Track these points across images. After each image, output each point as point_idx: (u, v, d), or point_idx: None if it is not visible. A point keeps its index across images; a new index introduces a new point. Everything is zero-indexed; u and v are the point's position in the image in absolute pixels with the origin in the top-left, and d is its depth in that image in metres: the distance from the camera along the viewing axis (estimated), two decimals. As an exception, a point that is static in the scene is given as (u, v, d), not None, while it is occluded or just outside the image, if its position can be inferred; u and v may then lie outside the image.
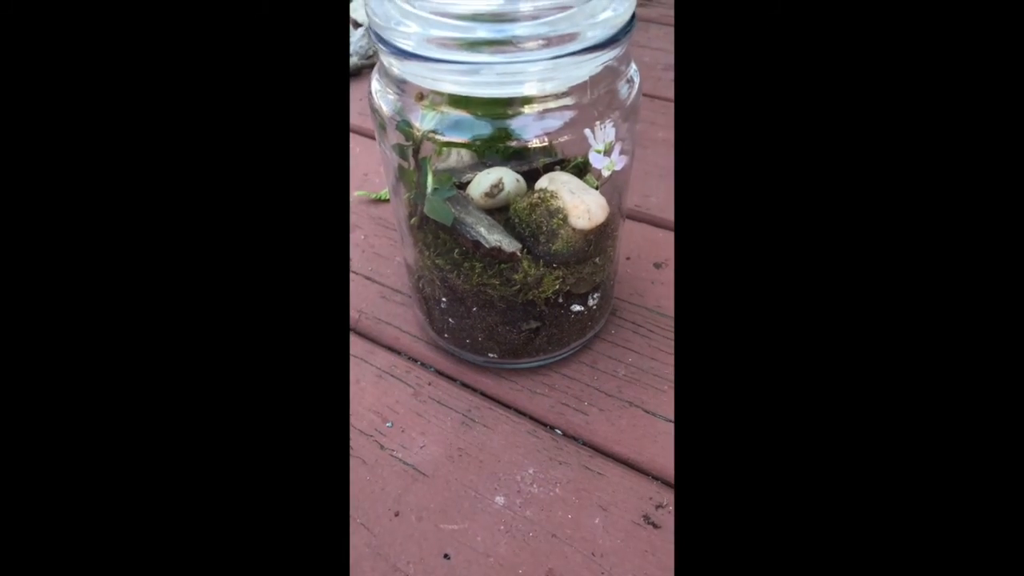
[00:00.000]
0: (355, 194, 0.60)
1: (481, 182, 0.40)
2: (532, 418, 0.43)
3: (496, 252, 0.37)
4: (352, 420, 0.44)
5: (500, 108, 0.33)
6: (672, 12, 0.88)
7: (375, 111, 0.37)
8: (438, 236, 0.39)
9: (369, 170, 0.64)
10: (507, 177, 0.41)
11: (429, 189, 0.38)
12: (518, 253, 0.37)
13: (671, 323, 0.48)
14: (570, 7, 0.30)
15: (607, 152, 0.37)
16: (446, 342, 0.45)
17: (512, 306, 0.40)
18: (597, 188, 0.40)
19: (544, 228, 0.38)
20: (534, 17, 0.30)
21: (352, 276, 0.53)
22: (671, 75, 0.75)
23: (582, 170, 0.42)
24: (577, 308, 0.42)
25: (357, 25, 0.84)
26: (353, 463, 0.41)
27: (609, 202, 0.39)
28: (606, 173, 0.38)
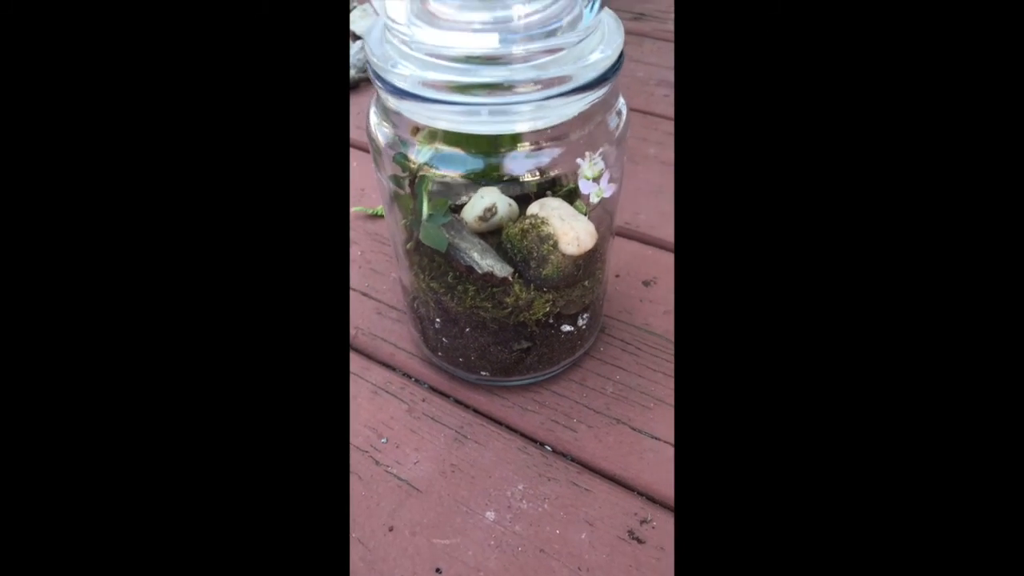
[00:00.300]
0: (352, 210, 0.61)
1: (475, 206, 0.42)
2: (523, 435, 0.45)
3: (488, 277, 0.38)
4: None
5: (492, 145, 0.34)
6: (666, 26, 0.89)
7: (372, 140, 0.39)
8: (433, 260, 0.41)
9: (366, 185, 0.65)
10: (500, 202, 0.42)
11: (424, 215, 0.39)
12: (509, 278, 0.39)
13: (659, 341, 0.50)
14: (560, 49, 0.32)
15: (596, 179, 0.38)
16: (440, 360, 0.46)
17: (504, 327, 0.41)
18: (586, 214, 0.41)
19: (535, 254, 0.39)
20: (526, 59, 0.31)
21: (350, 292, 0.55)
22: (664, 91, 0.77)
23: (572, 195, 0.43)
24: (567, 328, 0.43)
25: (356, 38, 0.85)
26: (350, 479, 0.42)
27: (599, 225, 0.41)
28: (595, 200, 0.39)
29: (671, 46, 0.85)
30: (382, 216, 0.61)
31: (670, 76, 0.79)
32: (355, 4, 0.92)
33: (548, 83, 0.31)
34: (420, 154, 0.35)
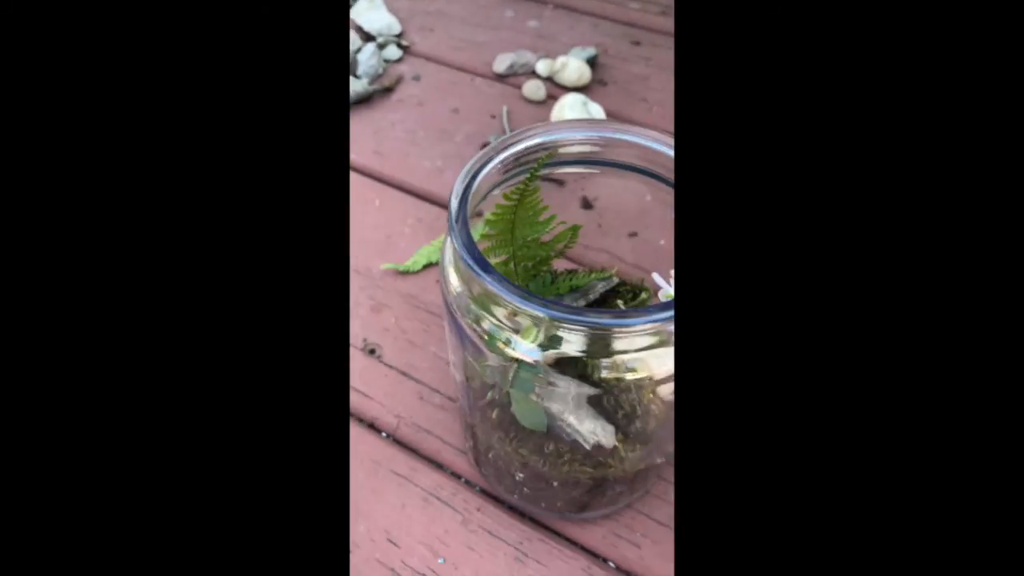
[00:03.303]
0: (381, 267, 0.54)
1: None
2: (585, 549, 0.41)
3: (597, 450, 0.34)
4: (403, 555, 0.40)
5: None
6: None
7: (445, 285, 0.32)
8: (516, 421, 0.35)
9: (392, 231, 0.57)
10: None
11: (510, 375, 0.33)
12: (617, 443, 0.34)
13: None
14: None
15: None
16: (516, 501, 0.41)
17: (601, 482, 0.37)
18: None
19: (638, 411, 0.34)
20: None
21: (387, 370, 0.48)
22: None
23: (637, 295, 0.40)
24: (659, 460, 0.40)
25: (367, 38, 0.74)
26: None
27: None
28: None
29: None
30: (415, 272, 0.54)
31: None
32: (357, -13, 0.80)
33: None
34: (520, 346, 0.30)
